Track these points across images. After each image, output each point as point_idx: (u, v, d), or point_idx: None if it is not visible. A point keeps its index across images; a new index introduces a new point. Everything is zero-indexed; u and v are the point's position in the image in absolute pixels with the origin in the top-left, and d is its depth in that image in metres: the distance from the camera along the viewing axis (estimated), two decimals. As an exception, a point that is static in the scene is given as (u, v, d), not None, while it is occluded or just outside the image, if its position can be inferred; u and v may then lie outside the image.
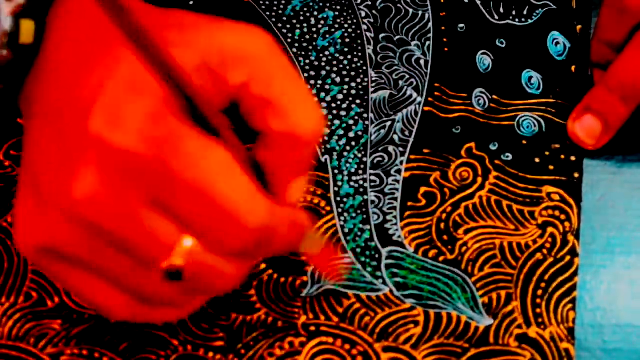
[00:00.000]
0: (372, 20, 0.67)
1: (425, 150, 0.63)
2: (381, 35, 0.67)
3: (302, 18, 0.66)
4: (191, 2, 0.67)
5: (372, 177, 0.62)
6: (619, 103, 0.61)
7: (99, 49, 0.48)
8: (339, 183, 0.61)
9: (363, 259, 0.59)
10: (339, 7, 0.67)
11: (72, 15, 0.51)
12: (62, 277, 0.49)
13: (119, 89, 0.46)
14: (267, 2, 0.67)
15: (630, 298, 0.59)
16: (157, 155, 0.44)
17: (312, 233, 0.53)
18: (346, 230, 0.60)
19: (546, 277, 0.59)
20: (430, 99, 0.65)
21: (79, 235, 0.46)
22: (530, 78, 0.66)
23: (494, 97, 0.65)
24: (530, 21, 0.68)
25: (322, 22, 0.66)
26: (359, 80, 0.65)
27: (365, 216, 0.60)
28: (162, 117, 0.45)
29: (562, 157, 0.63)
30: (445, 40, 0.67)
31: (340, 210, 0.60)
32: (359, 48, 0.66)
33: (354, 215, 0.60)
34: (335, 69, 0.65)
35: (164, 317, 0.51)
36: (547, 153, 0.63)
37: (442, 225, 0.60)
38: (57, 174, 0.46)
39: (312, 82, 0.64)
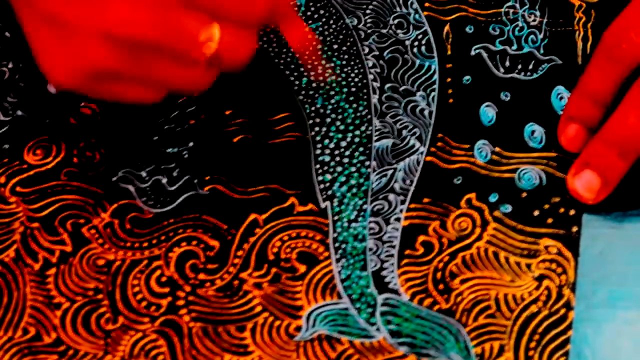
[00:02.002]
0: (378, 70, 0.68)
1: (426, 200, 0.63)
2: (387, 85, 0.67)
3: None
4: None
5: (372, 225, 0.62)
6: (617, 158, 0.62)
7: None
8: (338, 229, 0.62)
9: (359, 305, 0.60)
10: (346, 56, 0.68)
11: None
12: (106, 93, 0.56)
13: None
14: (276, 49, 0.68)
15: (632, 352, 0.59)
16: None
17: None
18: (343, 277, 0.61)
19: (540, 330, 0.59)
20: (432, 149, 0.65)
21: (117, 51, 0.52)
22: (533, 132, 0.66)
23: (497, 149, 0.65)
24: (535, 75, 0.69)
25: (330, 70, 0.67)
26: (363, 128, 0.66)
27: (362, 263, 0.61)
28: None
29: (562, 210, 0.63)
30: (450, 91, 0.68)
31: (338, 256, 0.61)
32: (365, 97, 0.67)
33: (351, 261, 0.61)
34: (340, 117, 0.66)
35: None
36: (546, 206, 0.63)
37: (439, 275, 0.61)
38: (87, 4, 0.52)
39: (317, 129, 0.65)
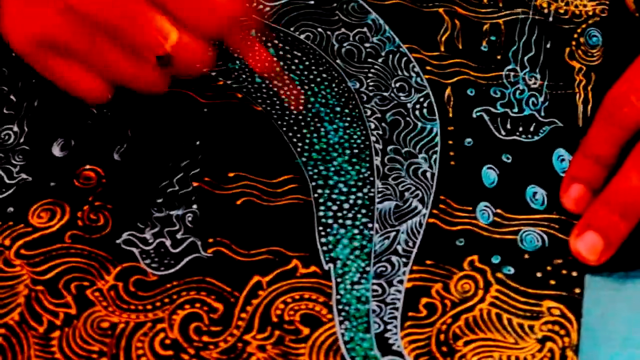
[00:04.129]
0: (381, 132, 0.69)
1: (428, 262, 0.64)
2: (389, 147, 0.68)
3: (312, 128, 0.68)
4: (205, 110, 0.68)
5: (375, 287, 0.62)
6: (620, 220, 0.62)
7: None
8: (341, 292, 0.62)
9: (362, 368, 0.60)
10: (348, 119, 0.69)
11: None
12: (51, 68, 0.59)
13: None
14: (279, 112, 0.68)
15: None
16: None
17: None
18: (346, 339, 0.61)
19: (544, 392, 0.59)
20: (435, 211, 0.66)
21: (70, 23, 0.55)
22: (534, 193, 0.67)
23: (498, 211, 0.66)
24: (536, 137, 0.69)
25: (333, 132, 0.68)
26: (365, 190, 0.66)
27: (366, 325, 0.61)
28: None
29: (564, 272, 0.64)
30: (452, 154, 0.68)
31: (341, 318, 0.61)
32: (367, 159, 0.67)
33: (355, 324, 0.61)
34: (342, 179, 0.66)
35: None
36: (548, 268, 0.64)
37: (442, 337, 0.61)
38: None
39: (320, 191, 0.65)
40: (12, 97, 0.68)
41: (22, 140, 0.66)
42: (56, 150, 0.66)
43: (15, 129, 0.67)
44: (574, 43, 0.73)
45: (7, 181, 0.65)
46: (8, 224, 0.63)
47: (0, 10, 0.58)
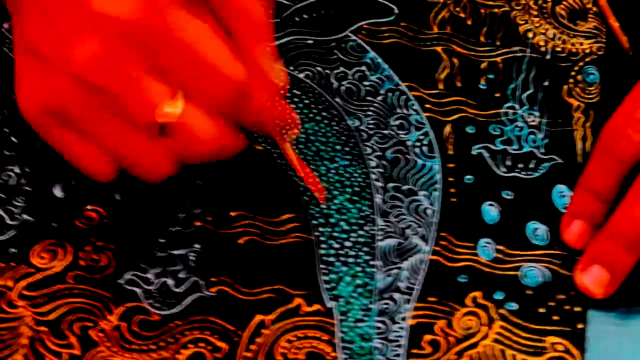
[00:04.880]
0: (381, 170, 0.69)
1: (431, 299, 0.64)
2: (390, 185, 0.68)
3: (312, 166, 0.68)
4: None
5: (378, 324, 0.62)
6: (624, 252, 0.62)
7: None
8: (345, 329, 0.62)
9: (366, 406, 0.60)
10: (349, 157, 0.69)
11: None
12: (58, 138, 0.59)
13: None
14: (279, 151, 0.69)
15: None
16: (152, 22, 0.54)
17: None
18: (351, 377, 0.60)
19: None
20: (436, 248, 0.66)
21: (79, 94, 0.55)
22: (535, 229, 0.67)
23: (500, 247, 0.66)
24: (536, 174, 0.70)
25: (333, 171, 0.68)
26: (367, 228, 0.66)
27: (370, 363, 0.61)
28: None
29: (567, 307, 0.64)
30: (452, 191, 0.68)
31: (345, 356, 0.61)
32: (368, 197, 0.67)
33: (358, 361, 0.61)
34: (344, 217, 0.66)
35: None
36: (551, 303, 0.64)
37: (447, 374, 0.61)
38: (62, 42, 0.54)
39: (321, 229, 0.65)
40: (12, 138, 0.68)
41: (23, 181, 0.66)
42: (57, 191, 0.66)
43: (17, 170, 0.67)
44: (571, 81, 0.74)
45: (9, 222, 0.65)
46: (10, 265, 0.63)
47: (15, 80, 0.59)
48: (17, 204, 0.66)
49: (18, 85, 0.59)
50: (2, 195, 0.66)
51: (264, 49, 0.60)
